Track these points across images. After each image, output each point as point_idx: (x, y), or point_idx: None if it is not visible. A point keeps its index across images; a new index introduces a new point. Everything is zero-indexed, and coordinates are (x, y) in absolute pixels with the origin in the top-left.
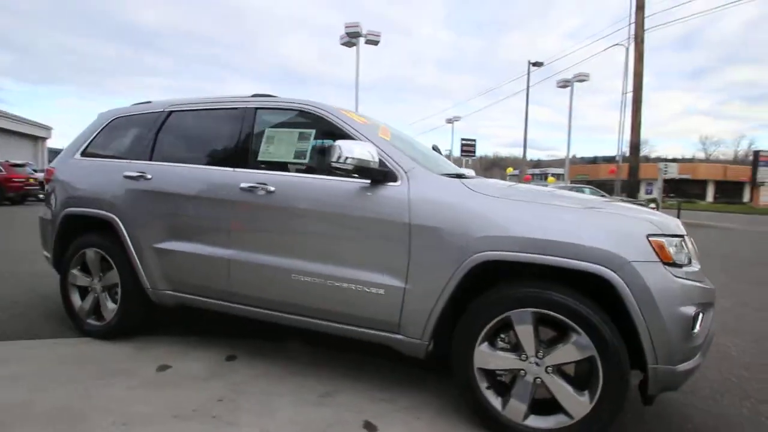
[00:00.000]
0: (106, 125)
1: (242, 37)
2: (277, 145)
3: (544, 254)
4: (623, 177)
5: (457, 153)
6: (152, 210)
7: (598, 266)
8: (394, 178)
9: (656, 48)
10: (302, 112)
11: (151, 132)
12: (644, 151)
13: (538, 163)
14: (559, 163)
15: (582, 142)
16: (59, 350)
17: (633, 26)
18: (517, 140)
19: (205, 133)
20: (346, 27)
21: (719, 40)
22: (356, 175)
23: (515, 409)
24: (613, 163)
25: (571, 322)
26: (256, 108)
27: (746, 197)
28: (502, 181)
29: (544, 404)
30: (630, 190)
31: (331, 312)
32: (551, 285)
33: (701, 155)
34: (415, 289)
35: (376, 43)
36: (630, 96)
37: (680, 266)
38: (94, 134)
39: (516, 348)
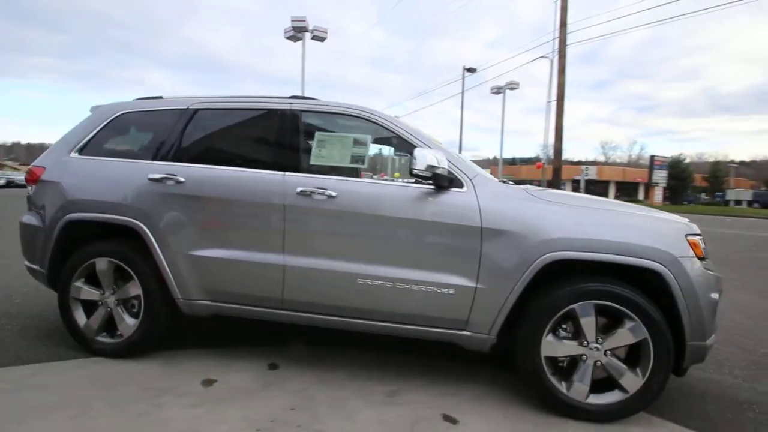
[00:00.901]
0: (110, 121)
1: (151, 19)
2: (330, 149)
3: (608, 253)
4: (547, 177)
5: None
6: (187, 215)
7: (652, 262)
8: (460, 185)
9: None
10: (353, 117)
11: (174, 131)
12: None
13: None
14: (483, 163)
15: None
16: (77, 372)
17: (557, 41)
18: (444, 141)
19: (242, 134)
20: (293, 21)
21: (616, 57)
22: (429, 181)
23: (578, 390)
24: (531, 163)
25: (628, 311)
26: (301, 110)
27: (641, 196)
28: (550, 189)
29: (602, 383)
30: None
31: (398, 314)
32: (609, 279)
33: (602, 158)
34: (486, 287)
35: (322, 39)
36: (554, 104)
37: (705, 260)
38: (95, 130)
39: (577, 336)
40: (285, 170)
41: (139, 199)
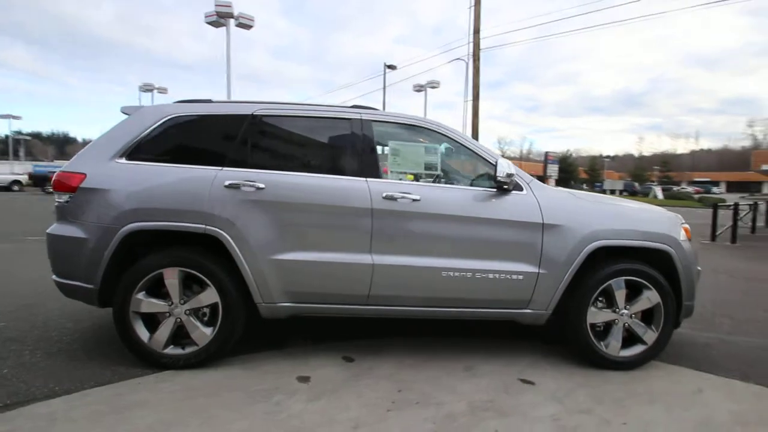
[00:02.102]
0: (159, 124)
1: None
2: (404, 157)
3: (637, 239)
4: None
5: None
6: (268, 221)
7: (665, 245)
8: (520, 188)
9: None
10: (420, 128)
11: (240, 137)
12: None
13: None
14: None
15: None
16: (165, 386)
17: (471, 45)
18: None
19: (312, 141)
20: (217, 6)
21: (507, 60)
22: (495, 186)
23: (613, 347)
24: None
25: (647, 283)
26: (372, 120)
27: None
28: (582, 191)
29: (627, 340)
30: None
31: (476, 300)
32: (633, 260)
33: (499, 153)
34: (547, 272)
35: (249, 27)
36: (470, 104)
37: (690, 241)
38: (141, 134)
39: (611, 305)
40: (366, 176)
41: (216, 206)
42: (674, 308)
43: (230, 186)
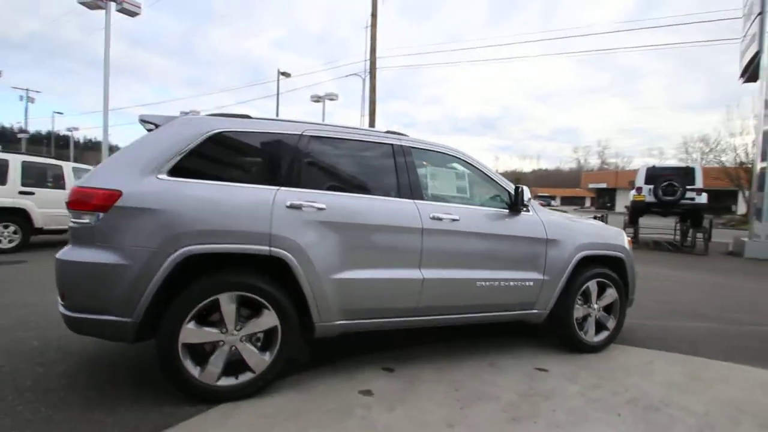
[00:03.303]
0: (204, 139)
1: None
2: (441, 181)
3: (606, 250)
4: None
5: None
6: (328, 241)
7: (621, 254)
8: (528, 209)
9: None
10: (450, 156)
11: (291, 156)
12: None
13: None
14: None
15: None
16: (238, 420)
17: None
18: None
19: (361, 163)
20: None
21: (385, 78)
22: (524, 208)
23: (590, 334)
24: None
25: (610, 283)
26: (411, 147)
27: None
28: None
29: (596, 328)
30: None
31: (499, 305)
32: (602, 265)
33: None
34: (549, 278)
35: (133, 14)
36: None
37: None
38: (184, 149)
39: (587, 302)
40: (414, 198)
41: (279, 226)
42: (625, 301)
43: (292, 206)
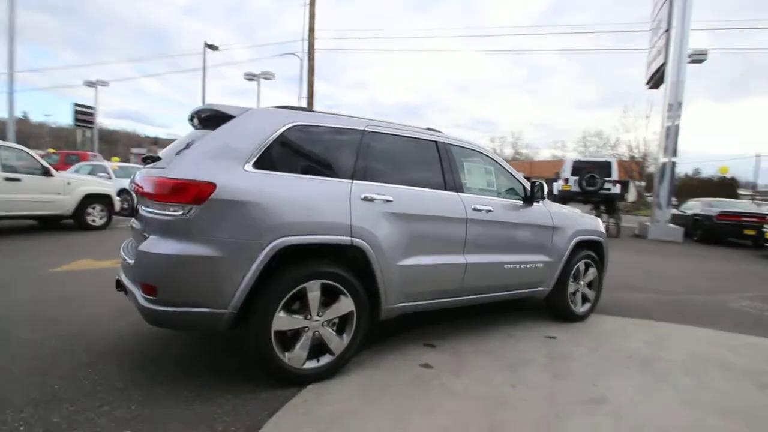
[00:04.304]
0: (282, 132)
1: None
2: (474, 176)
3: (592, 235)
4: None
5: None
6: (395, 230)
7: (600, 238)
8: (539, 200)
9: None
10: (478, 153)
11: (356, 150)
12: None
13: (156, 141)
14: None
15: None
16: (338, 397)
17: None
18: (125, 112)
19: (413, 158)
20: None
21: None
22: (540, 199)
23: (579, 306)
24: None
25: (592, 262)
26: (451, 144)
27: None
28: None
29: (583, 301)
30: None
31: (518, 284)
32: (585, 248)
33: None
34: (553, 260)
35: None
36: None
37: None
38: (266, 141)
39: (577, 279)
40: (457, 191)
41: (357, 218)
42: (602, 277)
43: (365, 199)
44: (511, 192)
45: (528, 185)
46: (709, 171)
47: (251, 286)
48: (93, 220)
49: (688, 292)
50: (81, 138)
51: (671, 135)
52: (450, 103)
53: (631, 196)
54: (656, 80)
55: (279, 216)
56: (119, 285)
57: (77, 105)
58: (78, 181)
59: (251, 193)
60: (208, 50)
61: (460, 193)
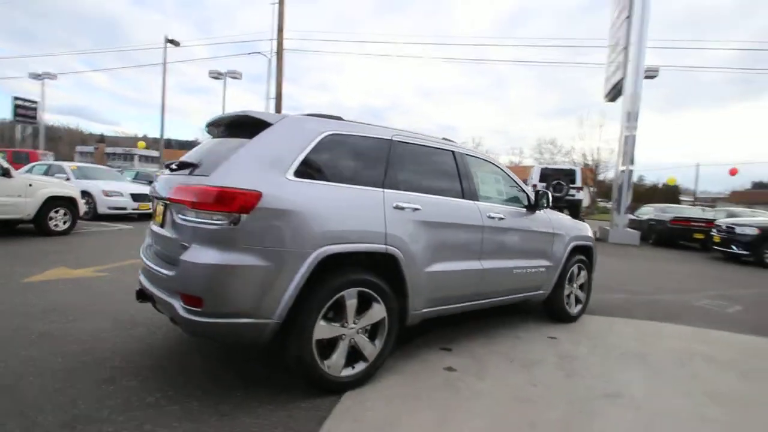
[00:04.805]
0: (319, 141)
1: None
2: (486, 185)
3: (585, 240)
4: None
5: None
6: (423, 238)
7: (590, 243)
8: (539, 208)
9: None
10: (488, 163)
11: (385, 159)
12: None
13: (102, 139)
14: (129, 141)
15: (144, 120)
16: (379, 404)
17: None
18: (69, 107)
19: (434, 167)
20: None
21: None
22: (543, 207)
23: (573, 308)
24: (191, 147)
25: (584, 266)
26: (467, 154)
27: None
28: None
29: (575, 302)
30: None
31: (524, 287)
32: (578, 252)
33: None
34: (553, 264)
35: None
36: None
37: None
38: (305, 151)
39: (571, 281)
40: (473, 200)
41: (390, 226)
42: (591, 280)
43: (397, 207)
44: (515, 200)
45: (531, 193)
46: (651, 178)
47: (296, 296)
48: (56, 225)
49: (657, 292)
50: (21, 134)
51: (629, 144)
52: (413, 107)
53: (585, 200)
54: (614, 94)
55: (322, 225)
56: (142, 295)
57: (17, 98)
58: (40, 182)
59: (295, 202)
60: (159, 46)
61: (476, 202)
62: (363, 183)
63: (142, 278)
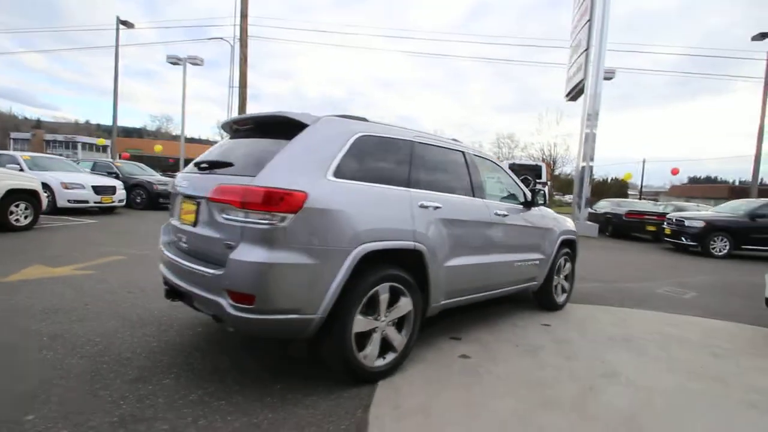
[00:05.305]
0: (353, 143)
1: None
2: (490, 184)
3: (571, 234)
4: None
5: None
6: (443, 235)
7: (574, 236)
8: (535, 205)
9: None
10: (492, 163)
11: (405, 159)
12: (171, 129)
13: (38, 125)
14: (71, 127)
15: (86, 105)
16: (415, 389)
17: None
18: None
19: (448, 167)
20: None
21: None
22: (539, 205)
23: (560, 297)
24: (141, 136)
25: (569, 258)
26: (475, 155)
27: None
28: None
29: (561, 292)
30: None
31: (522, 279)
32: (565, 245)
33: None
34: (545, 257)
35: None
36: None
37: None
38: (341, 152)
39: (558, 273)
40: (482, 197)
41: (417, 224)
42: (574, 270)
43: (422, 206)
44: (513, 197)
45: (527, 191)
46: (601, 173)
47: (340, 292)
48: (17, 220)
49: (622, 280)
50: None
51: (589, 141)
52: (374, 99)
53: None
54: (575, 93)
55: (361, 223)
56: (173, 294)
57: None
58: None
59: (336, 202)
60: (107, 27)
61: (484, 200)
62: (391, 182)
63: (171, 277)
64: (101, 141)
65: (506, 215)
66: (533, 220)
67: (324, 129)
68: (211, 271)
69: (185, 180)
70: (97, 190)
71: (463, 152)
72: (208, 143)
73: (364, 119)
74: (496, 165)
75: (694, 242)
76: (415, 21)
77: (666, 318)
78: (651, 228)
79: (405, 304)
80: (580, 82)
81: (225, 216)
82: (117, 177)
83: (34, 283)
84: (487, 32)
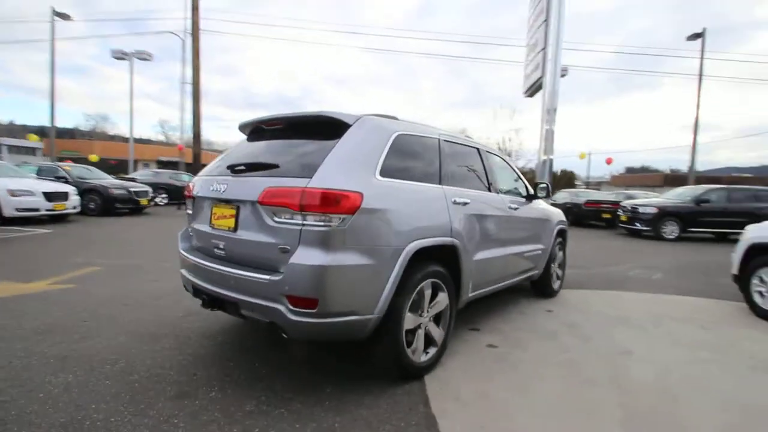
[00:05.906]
0: (393, 142)
1: None
2: (501, 179)
3: (564, 224)
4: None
5: None
6: (473, 230)
7: (566, 226)
8: (538, 198)
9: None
10: (498, 157)
11: (435, 157)
12: (107, 129)
13: None
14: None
15: (9, 106)
16: (453, 384)
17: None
18: None
19: (469, 164)
20: None
21: (162, 39)
22: (541, 197)
23: (556, 284)
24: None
25: (561, 247)
26: (487, 152)
27: None
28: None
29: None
30: (195, 172)
31: (528, 268)
32: (558, 235)
33: (161, 137)
34: (545, 246)
35: None
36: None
37: None
38: (385, 150)
39: (553, 261)
40: (496, 192)
41: (453, 221)
42: (565, 258)
43: (455, 202)
44: (517, 191)
45: (529, 185)
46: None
47: (395, 291)
48: None
49: (598, 265)
50: None
51: (548, 136)
52: (327, 95)
53: None
54: (533, 90)
55: (410, 221)
56: (213, 303)
57: None
58: None
59: (387, 201)
60: (41, 20)
61: (499, 194)
62: (426, 180)
63: (207, 285)
64: (32, 137)
65: (517, 208)
66: (536, 212)
67: (367, 129)
68: (267, 277)
69: (212, 183)
70: (49, 196)
71: (478, 149)
72: (150, 143)
73: (395, 118)
74: (502, 159)
75: (648, 227)
76: (368, 17)
77: (649, 298)
78: (606, 215)
79: (443, 299)
80: (538, 79)
81: (278, 219)
82: (67, 182)
83: (10, 302)
84: (438, 29)
